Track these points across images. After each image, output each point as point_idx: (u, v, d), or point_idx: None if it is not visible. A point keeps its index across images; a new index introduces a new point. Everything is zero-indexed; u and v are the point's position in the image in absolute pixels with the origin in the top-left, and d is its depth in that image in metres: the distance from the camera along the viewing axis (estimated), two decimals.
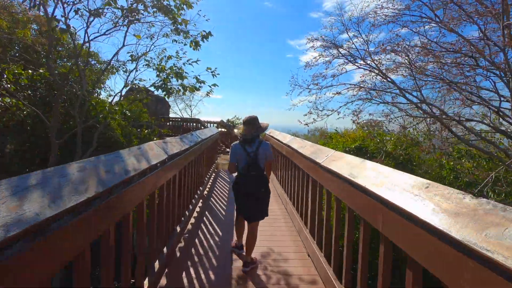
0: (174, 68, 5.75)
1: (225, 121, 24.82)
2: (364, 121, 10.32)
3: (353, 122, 8.96)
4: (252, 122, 2.99)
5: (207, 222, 4.25)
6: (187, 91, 5.76)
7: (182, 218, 3.65)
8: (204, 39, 5.27)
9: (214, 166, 7.92)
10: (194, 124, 16.07)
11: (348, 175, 2.03)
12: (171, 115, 27.59)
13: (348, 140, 7.72)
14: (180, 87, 5.79)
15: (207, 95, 6.10)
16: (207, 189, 6.23)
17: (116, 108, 7.38)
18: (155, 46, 7.55)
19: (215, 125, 16.71)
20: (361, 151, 7.01)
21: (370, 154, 6.90)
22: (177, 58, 6.95)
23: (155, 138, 5.01)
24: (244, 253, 3.05)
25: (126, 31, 5.94)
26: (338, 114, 6.96)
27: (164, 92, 5.61)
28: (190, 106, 29.97)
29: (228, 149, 16.16)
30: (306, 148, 3.60)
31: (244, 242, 3.15)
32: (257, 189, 2.94)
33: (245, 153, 2.92)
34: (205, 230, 3.94)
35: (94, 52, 8.26)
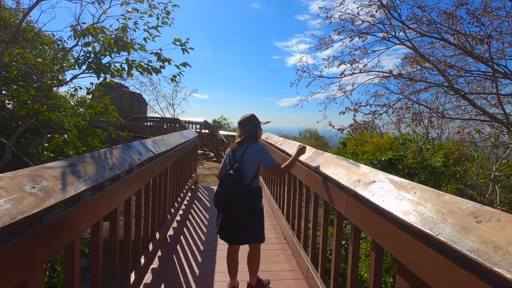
0: (112, 33, 3.54)
1: (210, 121, 22.65)
2: (360, 123, 8.39)
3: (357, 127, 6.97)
4: (242, 123, 2.55)
5: None
6: (135, 71, 3.52)
7: None
8: None
9: (190, 184, 5.76)
10: (171, 124, 13.80)
11: None
12: (151, 114, 25.28)
13: (370, 148, 5.74)
14: (124, 65, 3.57)
15: (172, 80, 3.96)
16: (174, 225, 4.08)
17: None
18: (107, 17, 5.33)
19: (197, 126, 14.52)
20: (393, 166, 5.04)
21: (408, 170, 4.95)
22: (134, 28, 4.77)
23: (71, 152, 2.88)
24: None
25: None
26: (394, 114, 4.88)
27: (92, 71, 3.39)
28: (173, 105, 27.69)
29: (211, 154, 13.97)
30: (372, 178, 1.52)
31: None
32: (232, 203, 2.29)
33: (233, 157, 2.48)
34: None
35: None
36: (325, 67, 5.61)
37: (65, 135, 2.89)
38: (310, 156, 2.79)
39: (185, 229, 3.99)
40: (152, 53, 3.72)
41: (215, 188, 6.90)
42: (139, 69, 3.43)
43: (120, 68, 3.50)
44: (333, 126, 4.98)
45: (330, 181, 2.13)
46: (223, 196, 2.32)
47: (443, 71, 4.68)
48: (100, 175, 1.54)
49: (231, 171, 2.37)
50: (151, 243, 2.91)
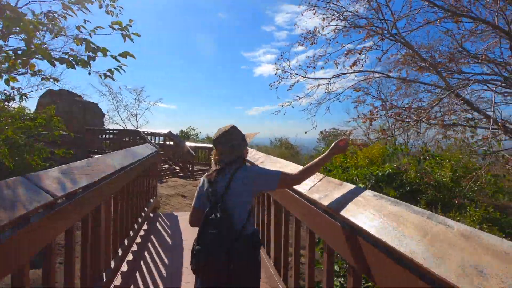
0: None
1: (177, 132, 21.16)
2: (327, 131, 7.96)
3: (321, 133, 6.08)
4: (220, 140, 1.76)
5: None
6: (34, 58, 2.25)
7: None
8: None
9: (146, 212, 4.54)
10: (131, 137, 12.29)
11: None
12: (111, 126, 23.31)
13: (362, 160, 4.95)
14: (14, 51, 2.27)
15: (106, 76, 2.82)
16: (117, 282, 2.88)
17: None
18: (31, 1, 4.05)
19: (161, 138, 13.17)
20: (393, 182, 4.26)
21: (410, 186, 4.19)
22: (63, 14, 3.55)
23: None
24: None
25: None
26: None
27: None
28: (135, 116, 25.79)
29: (177, 168, 12.62)
30: None
31: None
32: (223, 265, 1.51)
33: (213, 192, 1.66)
34: None
35: None
36: (308, 67, 4.81)
37: None
38: (318, 186, 1.82)
39: None
40: (78, 38, 2.58)
41: (179, 215, 5.74)
42: (50, 59, 2.25)
43: (12, 55, 2.29)
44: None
45: (374, 243, 1.16)
46: (208, 257, 1.53)
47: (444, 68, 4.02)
48: None
49: (213, 215, 1.59)
50: None
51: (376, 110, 4.06)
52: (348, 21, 4.40)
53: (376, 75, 4.86)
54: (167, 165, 12.60)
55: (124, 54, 2.59)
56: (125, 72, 2.72)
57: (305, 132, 4.97)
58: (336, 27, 4.70)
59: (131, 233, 3.60)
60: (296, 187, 2.04)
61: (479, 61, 5.08)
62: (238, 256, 1.53)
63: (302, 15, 5.02)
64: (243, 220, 1.64)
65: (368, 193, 1.40)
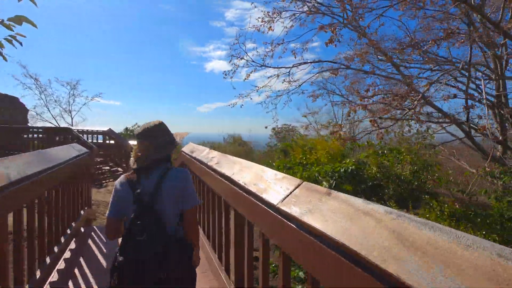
0: None
1: (121, 130, 19.34)
2: (279, 127, 7.78)
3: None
4: (149, 134, 1.57)
5: None
6: None
7: None
8: None
9: (73, 229, 3.68)
10: (62, 136, 10.67)
11: None
12: (38, 124, 20.50)
13: (322, 155, 4.72)
14: None
15: None
16: None
17: None
18: None
19: (100, 136, 11.76)
20: (355, 178, 4.07)
21: (372, 181, 4.05)
22: None
23: None
24: None
25: None
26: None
27: None
28: (70, 112, 23.00)
29: (120, 170, 11.36)
30: None
31: None
32: (154, 275, 1.36)
33: (138, 194, 1.47)
34: None
35: None
36: (266, 55, 4.41)
37: None
38: (295, 195, 1.37)
39: None
40: None
41: None
42: None
43: None
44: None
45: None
46: (136, 267, 1.34)
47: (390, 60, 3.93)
48: None
49: (139, 221, 1.39)
50: None
51: (367, 92, 3.82)
52: (308, 5, 4.11)
53: (336, 65, 4.68)
54: (107, 167, 11.28)
55: (17, 19, 1.80)
56: (22, 45, 1.94)
57: (265, 127, 4.61)
58: (294, 16, 4.38)
59: (48, 259, 2.79)
60: (264, 196, 1.58)
61: (425, 55, 5.19)
62: (173, 263, 1.38)
63: None
64: (173, 224, 1.50)
65: (376, 207, 0.98)
